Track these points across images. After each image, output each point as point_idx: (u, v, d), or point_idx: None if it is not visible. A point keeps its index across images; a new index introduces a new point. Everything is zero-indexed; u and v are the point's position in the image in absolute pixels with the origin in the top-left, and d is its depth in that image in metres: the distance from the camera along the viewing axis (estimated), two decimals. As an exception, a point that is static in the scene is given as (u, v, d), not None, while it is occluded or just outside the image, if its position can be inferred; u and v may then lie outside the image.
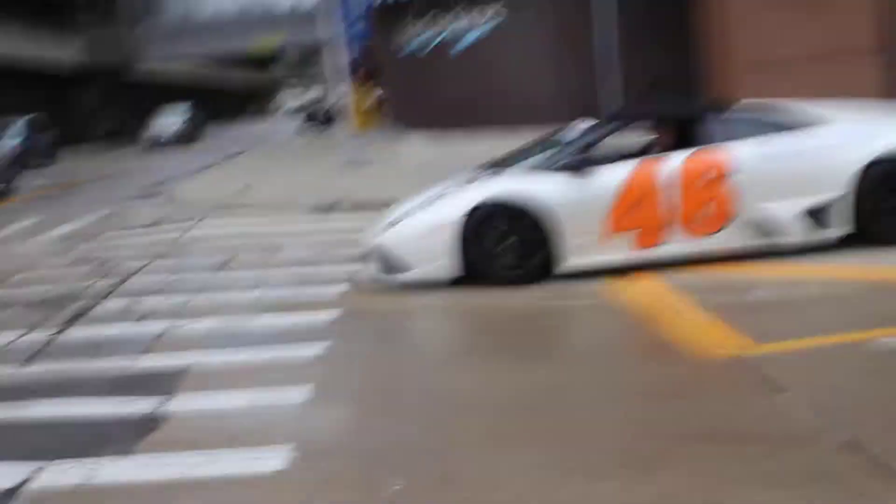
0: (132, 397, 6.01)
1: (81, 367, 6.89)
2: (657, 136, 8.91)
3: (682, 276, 8.09)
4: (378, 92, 33.89)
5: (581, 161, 8.36)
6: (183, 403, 5.81)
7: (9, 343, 7.72)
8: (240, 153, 32.64)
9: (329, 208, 14.62)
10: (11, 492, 4.64)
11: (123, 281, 10.04)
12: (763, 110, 8.74)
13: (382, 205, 13.46)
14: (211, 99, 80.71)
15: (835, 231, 8.30)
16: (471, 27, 27.45)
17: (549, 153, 8.90)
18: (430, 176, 16.31)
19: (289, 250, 11.17)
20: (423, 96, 29.80)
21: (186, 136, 47.87)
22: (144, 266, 10.87)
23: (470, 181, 8.71)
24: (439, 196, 8.69)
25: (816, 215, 8.26)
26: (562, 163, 8.42)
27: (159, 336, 7.54)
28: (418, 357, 6.59)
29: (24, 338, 7.86)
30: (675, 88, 22.21)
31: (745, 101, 8.94)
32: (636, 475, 4.29)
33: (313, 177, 18.89)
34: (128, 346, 7.31)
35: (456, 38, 27.99)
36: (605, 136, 8.74)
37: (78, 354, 7.26)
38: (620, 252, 8.29)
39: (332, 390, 5.85)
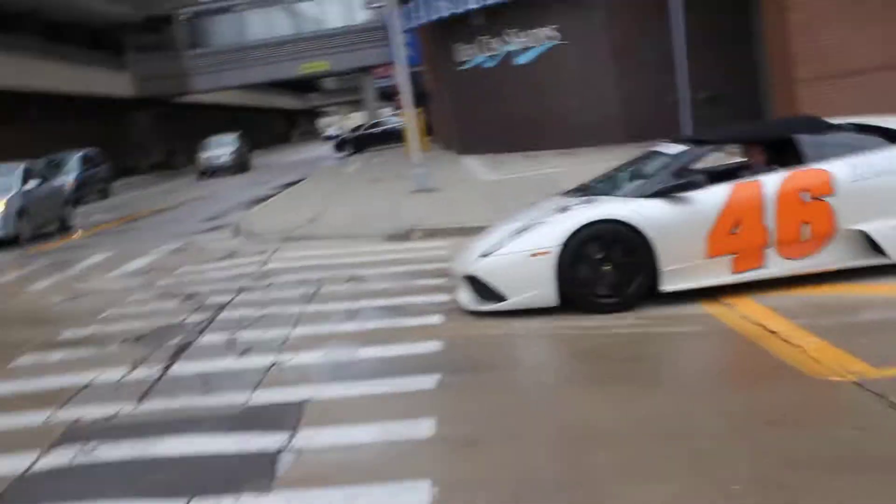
0: (256, 433, 6.15)
1: (197, 403, 7.05)
2: (751, 155, 8.95)
3: (782, 299, 8.13)
4: (423, 115, 34.15)
5: (675, 186, 8.43)
6: (309, 439, 5.94)
7: (119, 380, 7.91)
8: (297, 182, 32.93)
9: (404, 236, 14.75)
10: (165, 531, 4.77)
11: (215, 315, 10.22)
12: (859, 126, 8.77)
13: (457, 231, 13.66)
14: (256, 124, 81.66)
15: (935, 249, 8.32)
16: (528, 46, 27.58)
17: (640, 178, 8.98)
18: (500, 201, 16.52)
19: (373, 280, 11.31)
20: (478, 118, 29.98)
21: (238, 165, 48.41)
22: (231, 300, 11.05)
23: (561, 209, 8.79)
24: (532, 224, 8.79)
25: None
26: (656, 188, 8.50)
27: (268, 370, 7.69)
28: (533, 386, 6.67)
29: (131, 374, 8.04)
30: (737, 102, 22.24)
31: (837, 119, 8.97)
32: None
33: (380, 204, 19.06)
34: (239, 381, 7.46)
35: (513, 58, 28.14)
36: (697, 160, 8.82)
37: (190, 390, 7.42)
38: (718, 276, 8.35)
39: (456, 422, 5.95)
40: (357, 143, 55.84)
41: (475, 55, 30.08)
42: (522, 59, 28.18)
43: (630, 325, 7.96)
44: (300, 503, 4.98)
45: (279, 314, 9.95)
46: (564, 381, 6.79)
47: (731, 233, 8.29)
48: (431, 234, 14.71)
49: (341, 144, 57.33)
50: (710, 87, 22.11)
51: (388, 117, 63.27)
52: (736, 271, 8.36)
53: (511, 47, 28.39)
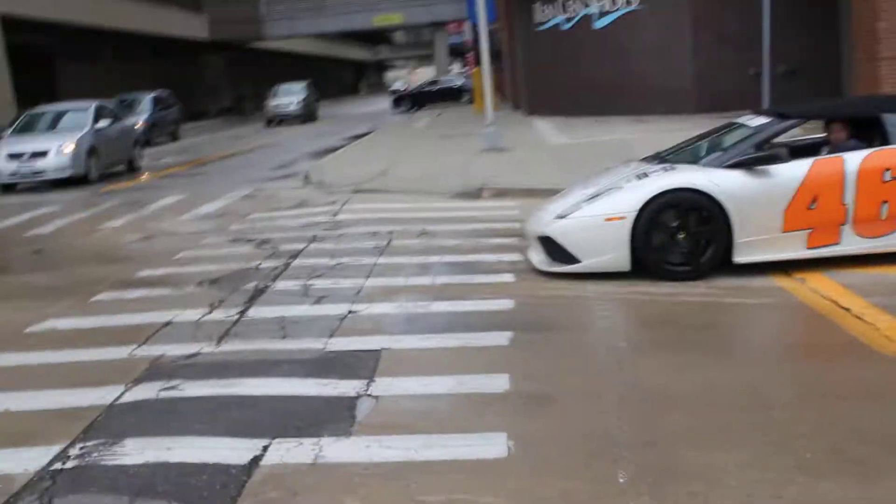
0: (334, 378, 6.35)
1: (275, 346, 7.27)
2: (833, 131, 8.94)
3: (854, 276, 8.17)
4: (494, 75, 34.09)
5: (756, 158, 8.46)
6: (386, 386, 6.12)
7: (198, 320, 8.16)
8: (366, 134, 33.13)
9: (474, 194, 14.88)
10: (249, 468, 4.98)
11: (289, 262, 10.45)
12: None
13: (527, 192, 13.77)
14: (325, 74, 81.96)
15: None
16: (607, 10, 27.41)
17: (720, 149, 9.02)
18: (571, 164, 16.58)
19: (443, 236, 11.47)
20: (550, 80, 29.90)
21: (306, 114, 48.74)
22: (305, 248, 11.27)
23: (639, 175, 8.86)
24: (608, 189, 8.87)
25: None
26: (736, 159, 8.53)
27: (342, 319, 7.89)
28: (605, 348, 6.79)
29: (210, 315, 8.29)
30: (816, 78, 21.99)
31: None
32: (860, 477, 4.46)
33: (449, 160, 19.18)
34: (315, 328, 7.67)
35: (591, 21, 28.00)
36: (780, 134, 8.84)
37: (268, 334, 7.64)
38: (795, 248, 8.39)
39: (529, 379, 6.10)
40: (414, 100, 55.97)
41: (553, 16, 29.95)
42: (600, 24, 28.02)
43: (702, 293, 8.04)
44: (379, 447, 5.14)
45: (352, 264, 10.15)
46: (636, 345, 6.90)
47: (808, 208, 8.32)
48: (501, 193, 14.83)
49: (398, 100, 57.39)
50: (790, 62, 21.88)
51: (447, 76, 63.28)
52: (811, 246, 8.39)
53: (590, 10, 28.23)
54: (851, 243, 8.41)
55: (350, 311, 8.11)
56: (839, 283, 8.01)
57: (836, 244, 8.41)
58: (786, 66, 21.41)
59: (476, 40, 41.98)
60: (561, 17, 29.61)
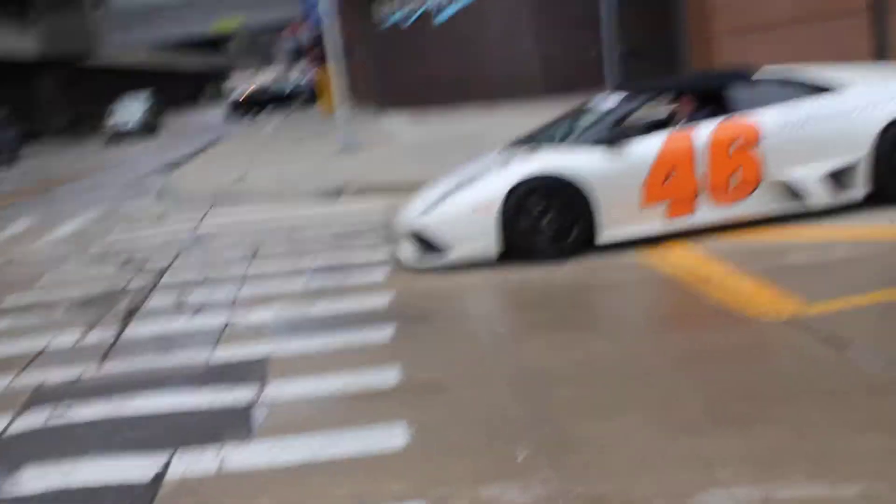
0: (224, 388, 6.41)
1: (159, 362, 7.28)
2: (682, 105, 9.36)
3: (715, 244, 8.60)
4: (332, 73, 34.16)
5: (615, 135, 8.83)
6: (280, 389, 6.23)
7: (74, 344, 8.09)
8: (213, 141, 32.80)
9: (336, 193, 14.99)
10: (156, 481, 5.04)
11: (159, 277, 10.40)
12: (784, 76, 9.24)
13: (388, 189, 13.95)
14: (166, 85, 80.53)
15: (857, 192, 8.84)
16: (446, 2, 27.77)
17: (578, 131, 9.37)
18: (427, 158, 16.83)
19: (310, 240, 11.56)
20: (397, 75, 30.14)
21: (149, 126, 47.88)
22: (170, 264, 11.21)
23: (503, 162, 9.12)
24: (476, 176, 9.11)
25: (839, 178, 8.80)
26: (596, 137, 8.88)
27: (223, 329, 7.93)
28: (486, 334, 7.03)
29: (86, 339, 8.22)
30: (656, 56, 22.75)
31: (767, 67, 9.43)
32: (739, 431, 4.78)
33: (306, 162, 19.22)
34: (196, 341, 7.70)
35: (435, 12, 28.31)
36: (636, 110, 9.23)
37: (149, 350, 7.64)
38: (655, 223, 8.78)
39: (418, 370, 6.28)
40: (246, 107, 55.33)
41: (393, 13, 30.18)
42: (441, 18, 28.37)
43: (571, 274, 8.36)
44: (284, 449, 5.25)
45: (222, 276, 10.16)
46: (515, 328, 7.16)
47: (666, 179, 8.71)
48: (362, 191, 14.97)
49: (234, 107, 56.50)
50: (630, 42, 22.58)
51: (278, 81, 62.85)
52: (672, 216, 8.79)
53: (429, 4, 28.54)
54: (708, 212, 8.84)
55: (229, 322, 8.15)
56: (700, 252, 8.42)
57: (696, 212, 8.82)
58: (626, 47, 22.08)
59: (317, 41, 41.95)
60: (401, 14, 29.87)
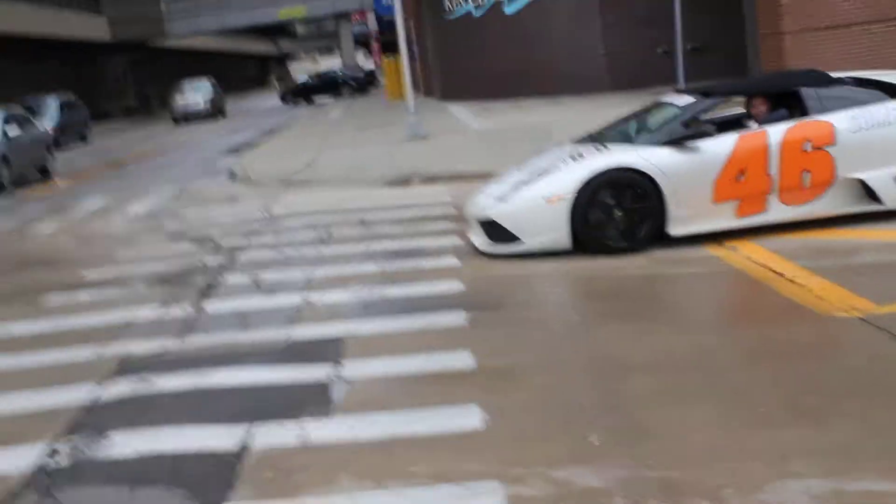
0: (303, 365, 6.56)
1: (239, 338, 7.45)
2: (755, 106, 9.36)
3: (785, 241, 8.62)
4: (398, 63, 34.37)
5: (685, 136, 8.86)
6: (357, 368, 6.36)
7: (157, 317, 8.29)
8: (280, 126, 33.13)
9: (404, 182, 15.13)
10: (241, 451, 5.19)
11: (233, 258, 10.59)
12: (859, 78, 9.22)
13: (456, 177, 14.06)
14: (230, 68, 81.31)
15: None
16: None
17: (650, 128, 9.41)
18: (495, 148, 16.93)
19: (382, 224, 11.70)
20: (463, 65, 30.24)
21: (215, 110, 48.40)
22: (246, 243, 11.41)
23: (575, 156, 9.19)
24: (546, 171, 9.19)
25: (909, 181, 8.78)
26: (666, 137, 8.92)
27: (299, 308, 8.09)
28: (558, 322, 7.12)
29: (166, 313, 8.42)
30: (724, 53, 22.64)
31: (838, 73, 9.41)
32: (812, 424, 4.83)
33: (374, 150, 19.39)
34: (274, 318, 7.87)
35: (501, 7, 28.37)
36: (706, 111, 9.25)
37: (229, 327, 7.83)
38: (725, 219, 8.81)
39: (492, 355, 6.38)
40: (300, 93, 55.97)
41: (462, 4, 30.26)
42: (510, 9, 28.40)
43: (642, 266, 8.42)
44: (363, 425, 5.38)
45: (297, 256, 10.34)
46: (587, 317, 7.24)
47: (736, 180, 8.73)
48: (431, 179, 15.09)
49: (285, 96, 57.23)
50: (698, 40, 22.49)
51: (329, 69, 63.33)
52: (741, 215, 8.81)
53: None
54: (778, 211, 8.85)
55: (305, 301, 8.30)
56: (770, 249, 8.43)
57: (764, 213, 8.84)
58: (693, 44, 21.98)
59: (383, 30, 42.17)
60: (471, 5, 29.93)
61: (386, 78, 42.75)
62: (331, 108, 42.26)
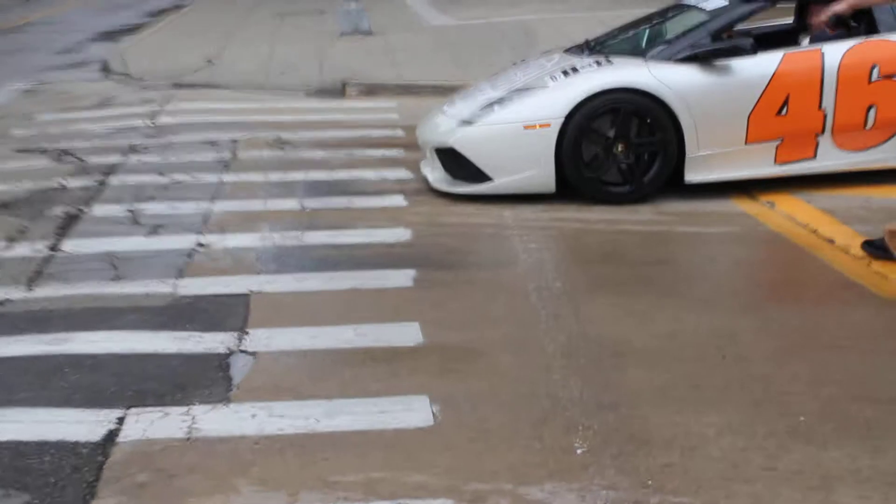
0: (194, 332, 6.48)
1: (108, 291, 7.33)
2: (810, 15, 9.30)
3: (832, 199, 8.66)
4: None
5: (714, 51, 8.81)
6: (265, 340, 6.28)
7: (-3, 258, 8.16)
8: (178, 7, 32.71)
9: (337, 92, 15.01)
10: (107, 442, 5.11)
11: (103, 181, 10.44)
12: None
13: (407, 90, 13.98)
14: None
15: None
16: None
17: (668, 38, 9.36)
18: (461, 53, 16.84)
19: (305, 146, 11.60)
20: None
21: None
22: (121, 162, 11.25)
23: (566, 70, 9.12)
24: (530, 84, 9.12)
25: None
26: (688, 51, 8.87)
27: (190, 254, 8.01)
28: (536, 289, 7.07)
29: (11, 251, 8.28)
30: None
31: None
32: (863, 441, 4.84)
33: (299, 47, 19.18)
34: (156, 267, 7.77)
35: None
36: (743, 19, 9.21)
37: (94, 275, 7.70)
38: (762, 164, 8.83)
39: (446, 329, 6.35)
40: None
41: None
42: None
43: (649, 221, 8.42)
44: (269, 416, 5.32)
45: (190, 183, 10.22)
46: (574, 285, 7.20)
47: (778, 113, 8.73)
48: (373, 91, 14.99)
49: None
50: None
51: None
52: (781, 162, 8.82)
53: None
54: (830, 158, 8.87)
55: (199, 244, 8.24)
56: (817, 207, 8.46)
57: (812, 159, 8.86)
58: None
59: None
60: None
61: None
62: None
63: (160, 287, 7.31)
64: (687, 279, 7.39)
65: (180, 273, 7.59)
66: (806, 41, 9.06)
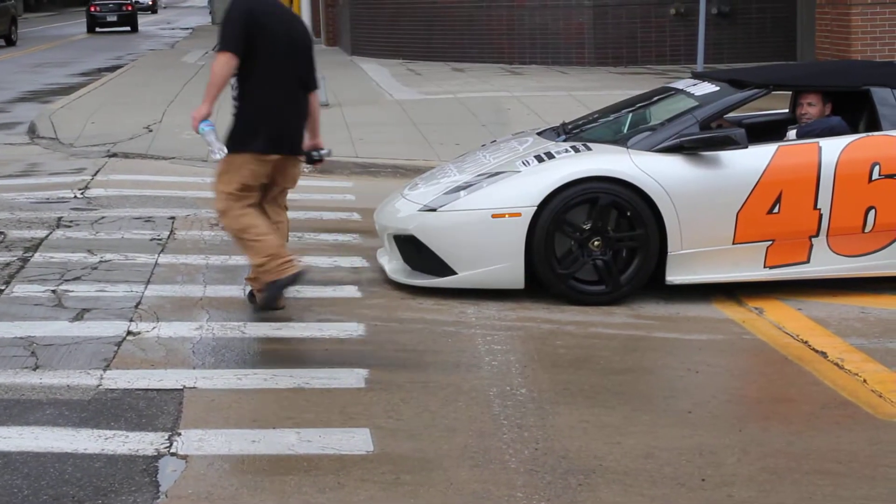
0: (121, 428, 6.45)
1: (25, 381, 7.25)
2: (805, 107, 9.39)
3: (829, 308, 8.70)
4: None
5: (702, 140, 8.86)
6: (198, 443, 6.26)
7: None
8: (115, 67, 32.79)
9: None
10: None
11: (26, 258, 10.37)
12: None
13: (367, 168, 14.02)
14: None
15: None
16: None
17: (652, 125, 9.43)
18: (426, 130, 16.91)
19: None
20: (386, 10, 30.20)
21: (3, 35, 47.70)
22: (46, 237, 11.19)
23: (540, 155, 9.14)
24: (498, 172, 9.14)
25: None
26: (674, 141, 8.92)
27: (119, 343, 7.97)
28: (499, 396, 7.04)
29: (-80, 332, 8.21)
30: (761, 23, 22.91)
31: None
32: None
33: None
34: (80, 356, 7.72)
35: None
36: (733, 108, 9.31)
37: (11, 363, 7.63)
38: (747, 268, 8.86)
39: (400, 439, 6.34)
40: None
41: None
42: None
43: (624, 324, 8.44)
44: (200, 529, 5.29)
45: (122, 263, 10.18)
46: (538, 392, 7.18)
47: (769, 212, 8.78)
48: (327, 168, 14.94)
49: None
50: (724, 0, 22.75)
51: None
52: (771, 265, 8.86)
53: None
54: (825, 262, 8.92)
55: (130, 332, 8.19)
56: (808, 315, 8.49)
57: (805, 263, 8.90)
58: (722, 6, 22.23)
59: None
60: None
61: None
62: (187, 48, 41.90)
63: (84, 379, 7.26)
64: (665, 391, 7.39)
65: (107, 364, 7.54)
66: (792, 133, 9.10)
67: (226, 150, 8.33)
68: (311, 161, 9.04)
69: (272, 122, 8.51)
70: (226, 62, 8.34)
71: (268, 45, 8.39)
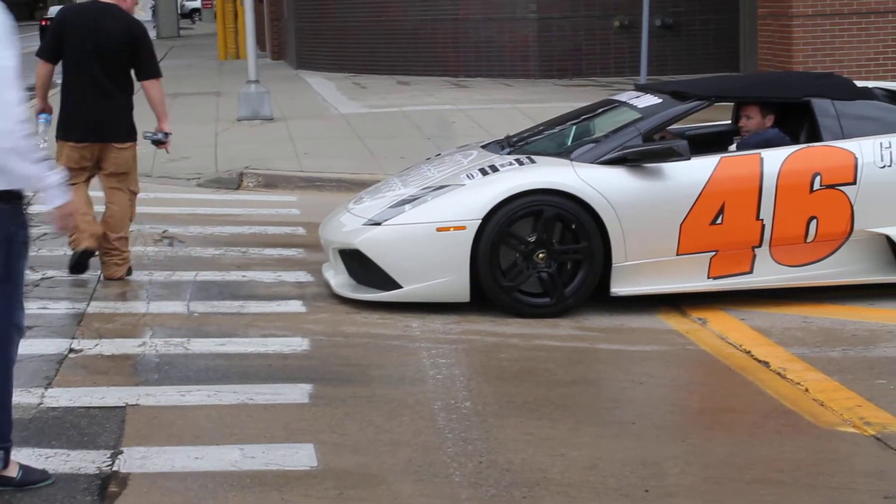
0: (62, 447, 6.39)
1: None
2: (746, 119, 9.45)
3: (772, 318, 8.75)
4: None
5: (646, 152, 8.91)
6: (140, 461, 6.21)
7: None
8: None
9: (232, 182, 14.98)
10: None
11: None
12: (891, 96, 9.41)
13: (312, 182, 14.00)
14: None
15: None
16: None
17: (595, 137, 9.47)
18: (372, 144, 16.90)
19: (195, 243, 11.53)
20: (331, 23, 30.17)
21: None
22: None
23: (484, 168, 9.16)
24: (442, 185, 9.16)
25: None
26: (618, 153, 8.96)
27: (61, 360, 7.92)
28: (443, 410, 7.04)
29: None
30: (705, 35, 23.02)
31: (864, 83, 9.59)
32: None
33: (194, 132, 19.06)
34: (21, 374, 7.48)
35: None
36: (676, 120, 9.35)
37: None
38: (691, 279, 8.91)
39: (344, 454, 6.34)
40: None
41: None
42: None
43: (568, 336, 8.47)
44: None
45: (64, 280, 10.11)
46: (484, 406, 7.17)
47: (712, 223, 8.82)
48: (271, 182, 14.99)
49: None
50: (672, 13, 22.83)
51: None
52: (714, 275, 8.91)
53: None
54: (768, 272, 8.98)
55: (72, 350, 8.14)
56: (751, 325, 8.54)
57: (748, 273, 8.96)
58: (665, 18, 22.30)
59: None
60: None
61: (219, 26, 42.34)
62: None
63: (24, 397, 7.18)
64: (609, 402, 7.42)
65: (48, 382, 7.50)
66: (742, 145, 9.17)
67: (44, 143, 9.18)
68: (155, 143, 10.49)
69: (77, 113, 9.81)
70: (39, 67, 10.00)
71: (73, 44, 9.67)
